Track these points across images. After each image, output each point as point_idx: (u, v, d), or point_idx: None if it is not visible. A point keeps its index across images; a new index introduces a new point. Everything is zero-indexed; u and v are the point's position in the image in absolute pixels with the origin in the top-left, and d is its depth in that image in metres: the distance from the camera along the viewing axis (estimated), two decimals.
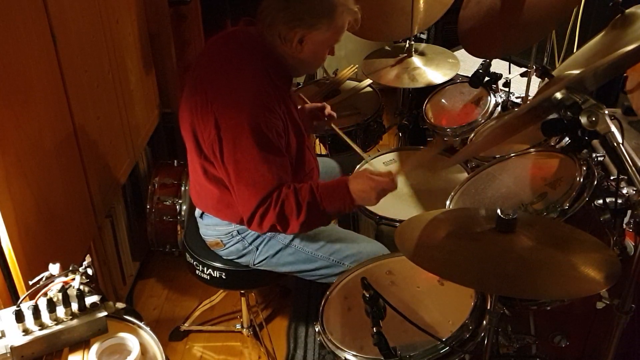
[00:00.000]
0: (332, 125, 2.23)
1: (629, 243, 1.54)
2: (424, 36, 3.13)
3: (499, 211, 1.25)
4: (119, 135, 2.35)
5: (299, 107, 2.14)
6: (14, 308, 1.31)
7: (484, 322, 1.42)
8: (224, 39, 1.84)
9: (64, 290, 1.35)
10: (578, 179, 1.60)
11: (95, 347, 1.33)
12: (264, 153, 1.68)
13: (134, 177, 2.67)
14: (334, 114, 2.23)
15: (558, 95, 1.20)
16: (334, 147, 2.59)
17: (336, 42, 1.79)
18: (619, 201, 1.45)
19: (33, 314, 1.31)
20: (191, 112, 1.77)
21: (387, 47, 2.72)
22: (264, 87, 1.71)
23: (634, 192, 1.43)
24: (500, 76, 2.33)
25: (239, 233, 1.92)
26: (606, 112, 1.15)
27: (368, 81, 2.81)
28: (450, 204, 1.85)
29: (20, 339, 1.29)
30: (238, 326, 2.35)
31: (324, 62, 1.90)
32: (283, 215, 1.71)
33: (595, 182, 1.59)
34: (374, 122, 2.63)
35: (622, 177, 1.44)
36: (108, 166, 2.24)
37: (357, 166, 2.25)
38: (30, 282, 1.39)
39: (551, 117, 1.29)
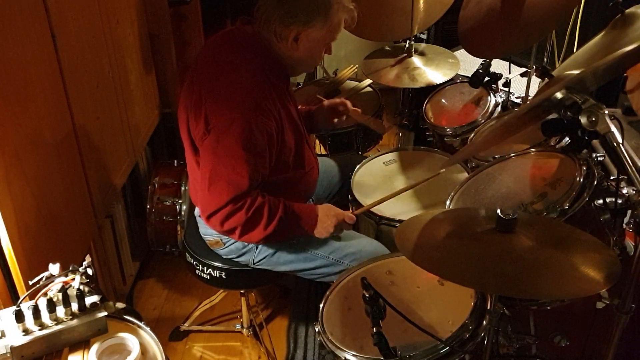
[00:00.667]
0: (356, 118, 2.25)
1: (629, 243, 1.54)
2: (424, 36, 3.13)
3: (499, 211, 1.25)
4: (119, 135, 2.35)
5: (315, 106, 2.16)
6: (14, 308, 1.31)
7: (484, 322, 1.42)
8: (222, 39, 1.84)
9: (64, 290, 1.35)
10: (578, 179, 1.60)
11: (95, 347, 1.33)
12: (246, 153, 1.68)
13: (134, 177, 2.67)
14: (358, 110, 2.23)
15: (558, 95, 1.21)
16: (334, 147, 2.59)
17: (332, 40, 1.79)
18: (619, 201, 1.45)
19: (33, 314, 1.31)
20: (187, 110, 1.78)
21: (387, 47, 2.72)
22: (259, 86, 1.72)
23: (634, 192, 1.43)
24: (500, 76, 2.33)
25: None
26: (606, 112, 1.15)
27: (368, 81, 2.81)
28: (450, 204, 1.85)
29: (20, 339, 1.29)
30: (238, 326, 2.35)
31: (320, 61, 1.89)
32: (252, 222, 1.73)
33: (595, 182, 1.59)
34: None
35: (622, 177, 1.44)
36: (108, 166, 2.24)
37: (357, 166, 2.26)
38: (30, 282, 1.39)
39: (551, 117, 1.29)
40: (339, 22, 1.74)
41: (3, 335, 1.29)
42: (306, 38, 1.73)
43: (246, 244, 1.92)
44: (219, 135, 1.68)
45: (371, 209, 2.01)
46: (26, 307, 1.32)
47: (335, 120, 2.21)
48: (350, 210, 1.94)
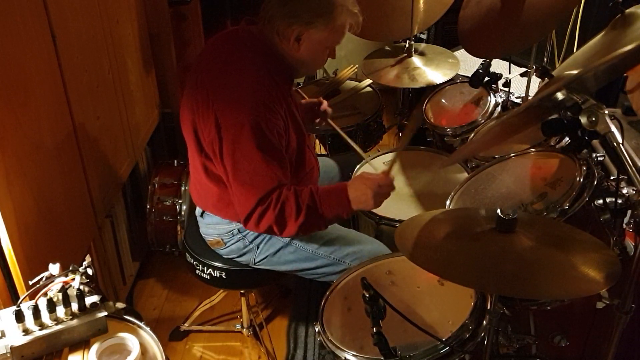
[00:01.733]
0: (329, 121, 2.22)
1: (629, 243, 1.54)
2: (424, 36, 3.13)
3: (499, 211, 1.25)
4: (119, 135, 2.35)
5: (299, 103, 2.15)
6: (14, 308, 1.31)
7: (484, 322, 1.42)
8: (225, 38, 1.84)
9: (64, 290, 1.35)
10: (578, 179, 1.60)
11: (95, 347, 1.33)
12: (263, 153, 1.68)
13: (134, 177, 2.67)
14: (329, 110, 2.22)
15: (558, 95, 1.21)
16: (334, 147, 2.59)
17: (335, 43, 1.79)
18: (619, 201, 1.45)
19: (33, 314, 1.31)
20: (192, 111, 1.77)
21: (387, 47, 2.72)
22: (265, 86, 1.71)
23: (634, 192, 1.43)
24: (500, 76, 2.33)
25: (239, 231, 1.92)
26: (606, 112, 1.15)
27: (368, 81, 2.81)
28: (450, 204, 1.85)
29: (20, 339, 1.29)
30: (238, 326, 2.35)
31: (323, 64, 1.89)
32: (282, 216, 1.71)
33: (595, 182, 1.59)
34: (374, 122, 2.63)
35: (622, 177, 1.44)
36: (108, 166, 2.24)
37: (357, 166, 2.26)
38: (30, 282, 1.39)
39: (551, 117, 1.29)
40: (342, 24, 1.73)
41: (3, 335, 1.29)
42: (308, 39, 1.72)
43: (247, 243, 1.92)
44: (233, 142, 1.68)
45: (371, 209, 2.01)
46: (26, 307, 1.32)
47: (317, 120, 2.21)
48: (382, 171, 1.81)
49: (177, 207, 2.50)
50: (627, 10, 1.60)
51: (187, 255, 2.06)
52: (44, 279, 1.39)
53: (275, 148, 1.71)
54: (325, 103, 2.20)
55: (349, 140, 2.18)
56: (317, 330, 1.55)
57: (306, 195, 1.72)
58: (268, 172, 1.69)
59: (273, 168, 1.70)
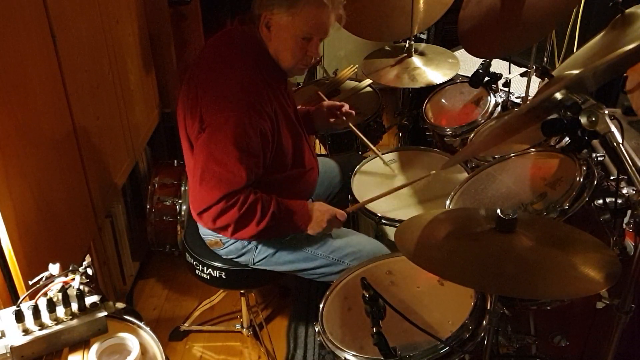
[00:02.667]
0: (350, 125, 2.25)
1: (629, 243, 1.54)
2: (424, 36, 3.12)
3: (499, 211, 1.25)
4: (119, 135, 2.35)
5: (315, 106, 2.17)
6: (14, 308, 1.31)
7: (484, 322, 1.42)
8: (220, 39, 1.85)
9: (64, 290, 1.35)
10: (578, 179, 1.60)
11: (95, 347, 1.33)
12: (239, 152, 1.68)
13: (134, 177, 2.67)
14: (353, 112, 2.23)
15: (558, 95, 1.20)
16: (334, 147, 2.59)
17: (306, 34, 1.73)
18: (619, 201, 1.45)
19: (33, 314, 1.31)
20: (184, 110, 1.80)
21: (387, 47, 2.72)
22: (254, 86, 1.72)
23: (634, 192, 1.43)
24: (500, 76, 2.33)
25: None
26: (606, 112, 1.15)
27: (368, 81, 2.81)
28: (450, 204, 1.85)
29: (20, 339, 1.29)
30: (238, 326, 2.35)
31: (303, 62, 1.82)
32: (244, 218, 1.73)
33: (595, 182, 1.59)
34: (374, 122, 2.63)
35: (622, 177, 1.44)
36: (108, 166, 2.24)
37: (358, 166, 2.26)
38: (30, 282, 1.39)
39: (551, 117, 1.29)
40: (308, 12, 1.69)
41: (3, 335, 1.29)
42: (275, 24, 1.72)
43: (246, 244, 1.92)
44: (212, 133, 1.69)
45: (371, 209, 2.01)
46: (26, 307, 1.32)
47: (332, 120, 2.21)
48: (345, 208, 1.94)
49: (177, 207, 2.50)
50: (627, 10, 1.60)
51: (187, 255, 2.06)
52: (44, 279, 1.39)
53: (253, 149, 1.71)
54: (347, 106, 2.21)
55: (367, 142, 2.27)
56: (317, 330, 1.55)
57: (272, 204, 1.76)
58: (239, 172, 1.69)
59: (245, 169, 1.70)
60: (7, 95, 1.55)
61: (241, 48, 1.77)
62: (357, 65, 2.93)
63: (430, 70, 2.51)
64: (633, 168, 1.15)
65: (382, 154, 2.34)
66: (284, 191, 1.85)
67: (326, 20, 1.74)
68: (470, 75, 2.32)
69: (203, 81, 1.75)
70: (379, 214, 2.00)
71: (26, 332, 1.30)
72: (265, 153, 1.76)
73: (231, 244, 1.94)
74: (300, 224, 1.83)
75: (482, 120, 2.32)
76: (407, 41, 2.58)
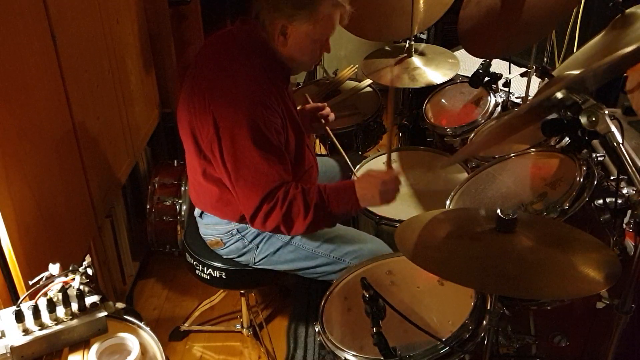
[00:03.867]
0: (327, 129, 2.22)
1: (629, 243, 1.54)
2: (424, 36, 3.13)
3: (499, 211, 1.25)
4: (119, 135, 2.35)
5: (299, 107, 2.14)
6: (14, 308, 1.31)
7: (484, 322, 1.42)
8: (221, 38, 1.84)
9: (64, 290, 1.35)
10: (578, 179, 1.60)
11: (95, 347, 1.33)
12: (263, 151, 1.67)
13: (134, 177, 2.67)
14: (331, 117, 2.21)
15: (558, 95, 1.20)
16: (334, 147, 2.59)
17: (324, 36, 1.75)
18: (619, 201, 1.45)
19: (33, 314, 1.31)
20: (189, 112, 1.77)
21: (387, 47, 2.72)
22: (261, 85, 1.71)
23: (634, 192, 1.43)
24: (500, 76, 2.33)
25: (238, 232, 1.92)
26: (606, 112, 1.15)
27: (368, 81, 2.81)
28: (450, 204, 1.85)
29: (20, 339, 1.29)
30: (238, 326, 2.35)
31: (318, 59, 1.87)
32: (289, 215, 1.71)
33: (595, 182, 1.59)
34: (374, 122, 2.63)
35: (622, 177, 1.44)
36: (108, 166, 2.24)
37: (357, 166, 2.26)
38: (30, 282, 1.39)
39: (551, 117, 1.29)
40: (329, 16, 1.71)
41: (3, 335, 1.29)
42: (293, 32, 1.71)
43: (246, 243, 1.92)
44: (232, 142, 1.67)
45: (371, 209, 2.01)
46: (26, 307, 1.32)
47: (313, 124, 2.20)
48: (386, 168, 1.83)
49: (177, 207, 2.50)
50: (627, 10, 1.60)
51: (187, 255, 2.06)
52: (44, 279, 1.39)
53: (274, 146, 1.71)
54: (327, 109, 2.19)
55: (340, 149, 2.19)
56: (317, 330, 1.55)
57: (314, 194, 1.72)
58: (270, 171, 1.69)
59: (274, 166, 1.70)
60: (7, 95, 1.55)
61: (244, 48, 1.76)
62: (357, 65, 2.93)
63: (430, 70, 2.51)
64: (633, 168, 1.15)
65: (382, 154, 2.34)
66: None
67: (338, 17, 1.75)
68: (470, 75, 2.33)
69: (208, 83, 1.73)
70: (379, 214, 2.00)
71: (26, 332, 1.30)
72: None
73: (232, 244, 1.94)
74: (350, 206, 1.75)
75: (482, 120, 2.32)
76: (407, 41, 2.58)
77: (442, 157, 2.31)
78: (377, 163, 2.31)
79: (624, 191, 1.45)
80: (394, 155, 2.35)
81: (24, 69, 1.63)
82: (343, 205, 1.75)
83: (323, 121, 2.20)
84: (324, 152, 2.67)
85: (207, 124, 1.70)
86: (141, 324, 1.43)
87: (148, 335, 1.41)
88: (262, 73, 1.73)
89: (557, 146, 1.86)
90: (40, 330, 1.31)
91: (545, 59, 2.49)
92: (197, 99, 1.74)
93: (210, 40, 1.86)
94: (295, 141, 1.85)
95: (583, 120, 1.15)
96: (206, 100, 1.71)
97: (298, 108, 2.16)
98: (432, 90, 2.62)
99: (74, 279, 1.39)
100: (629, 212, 1.47)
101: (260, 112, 1.67)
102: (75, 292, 1.35)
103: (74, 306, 1.35)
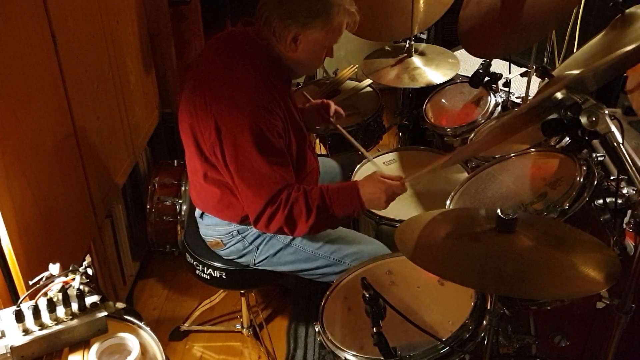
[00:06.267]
0: (338, 126, 2.22)
1: (629, 243, 1.54)
2: (424, 36, 3.13)
3: (499, 211, 1.25)
4: (119, 135, 2.35)
5: (300, 106, 2.14)
6: (14, 308, 1.31)
7: (484, 322, 1.42)
8: (223, 40, 1.83)
9: (64, 290, 1.35)
10: (578, 179, 1.60)
11: (95, 347, 1.33)
12: (265, 155, 1.68)
13: (134, 177, 2.67)
14: (342, 113, 2.22)
15: (558, 95, 1.21)
16: (334, 147, 2.59)
17: (333, 43, 1.78)
18: (619, 201, 1.45)
19: (33, 314, 1.31)
20: (190, 114, 1.77)
21: (387, 47, 2.72)
22: (263, 88, 1.71)
23: (634, 192, 1.43)
24: (500, 76, 2.33)
25: (239, 233, 1.92)
26: (606, 112, 1.15)
27: (368, 81, 2.81)
28: (450, 204, 1.85)
29: (20, 339, 1.29)
30: (238, 326, 2.36)
31: (321, 64, 1.88)
32: (291, 217, 1.71)
33: (595, 182, 1.59)
34: (374, 122, 2.63)
35: (622, 177, 1.44)
36: (108, 166, 2.24)
37: (358, 165, 2.25)
38: (30, 282, 1.39)
39: (551, 117, 1.29)
40: (340, 24, 1.73)
41: (3, 335, 1.29)
42: (305, 39, 1.72)
43: (247, 244, 1.92)
44: (234, 146, 1.68)
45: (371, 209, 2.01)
46: (26, 307, 1.32)
47: (320, 122, 2.20)
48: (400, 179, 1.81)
49: (177, 207, 2.50)
50: (627, 10, 1.60)
51: (187, 256, 2.06)
52: (44, 279, 1.39)
53: (277, 149, 1.71)
54: (334, 106, 2.19)
55: (354, 142, 2.18)
56: (317, 330, 1.55)
57: (316, 195, 1.73)
58: (273, 174, 1.69)
59: (277, 169, 1.70)
60: (7, 95, 1.55)
61: (247, 51, 1.76)
62: (357, 65, 2.93)
63: (430, 70, 2.51)
64: (633, 168, 1.15)
65: (382, 154, 2.34)
66: None
67: (346, 24, 1.76)
68: (470, 75, 2.33)
69: (211, 85, 1.73)
70: (379, 214, 2.00)
71: (26, 332, 1.30)
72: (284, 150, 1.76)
73: (232, 245, 1.94)
74: (353, 209, 1.76)
75: (482, 120, 2.31)
76: (407, 41, 2.58)
77: (442, 157, 2.30)
78: (377, 163, 2.31)
79: (624, 191, 1.45)
80: (394, 155, 2.35)
81: (24, 68, 1.63)
82: (346, 206, 1.76)
83: (332, 118, 2.19)
84: (324, 152, 2.67)
85: (209, 126, 1.70)
86: (141, 324, 1.43)
87: (148, 335, 1.41)
88: (264, 75, 1.73)
89: (557, 146, 1.86)
90: (40, 330, 1.31)
91: (545, 59, 2.50)
92: (199, 101, 1.73)
93: (212, 42, 1.85)
94: (297, 143, 1.85)
95: (583, 120, 1.15)
96: (207, 102, 1.71)
97: (300, 107, 2.16)
98: (432, 90, 2.61)
99: (74, 279, 1.39)
100: (629, 212, 1.47)
101: (262, 116, 1.67)
102: (75, 292, 1.35)
103: (74, 306, 1.35)
